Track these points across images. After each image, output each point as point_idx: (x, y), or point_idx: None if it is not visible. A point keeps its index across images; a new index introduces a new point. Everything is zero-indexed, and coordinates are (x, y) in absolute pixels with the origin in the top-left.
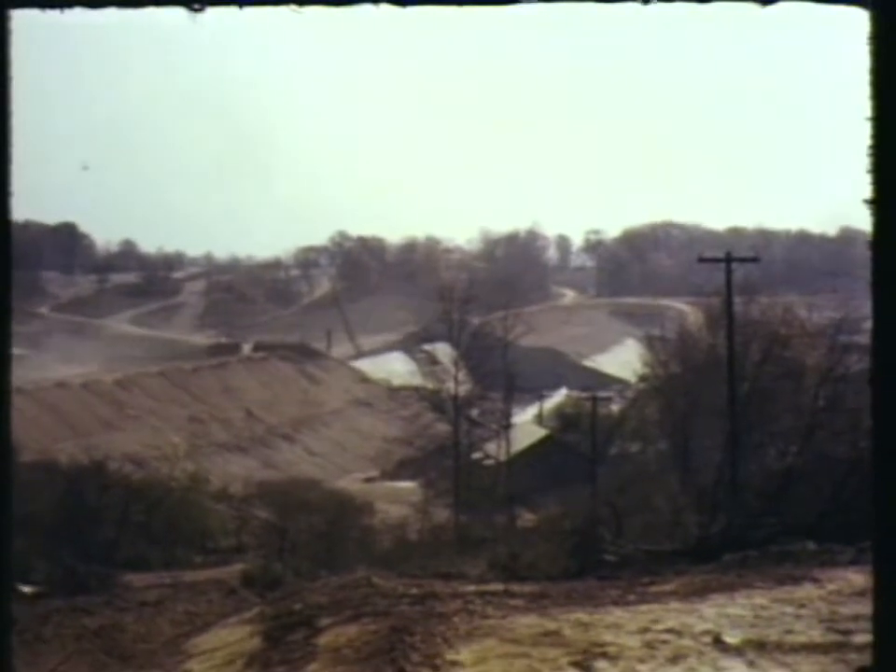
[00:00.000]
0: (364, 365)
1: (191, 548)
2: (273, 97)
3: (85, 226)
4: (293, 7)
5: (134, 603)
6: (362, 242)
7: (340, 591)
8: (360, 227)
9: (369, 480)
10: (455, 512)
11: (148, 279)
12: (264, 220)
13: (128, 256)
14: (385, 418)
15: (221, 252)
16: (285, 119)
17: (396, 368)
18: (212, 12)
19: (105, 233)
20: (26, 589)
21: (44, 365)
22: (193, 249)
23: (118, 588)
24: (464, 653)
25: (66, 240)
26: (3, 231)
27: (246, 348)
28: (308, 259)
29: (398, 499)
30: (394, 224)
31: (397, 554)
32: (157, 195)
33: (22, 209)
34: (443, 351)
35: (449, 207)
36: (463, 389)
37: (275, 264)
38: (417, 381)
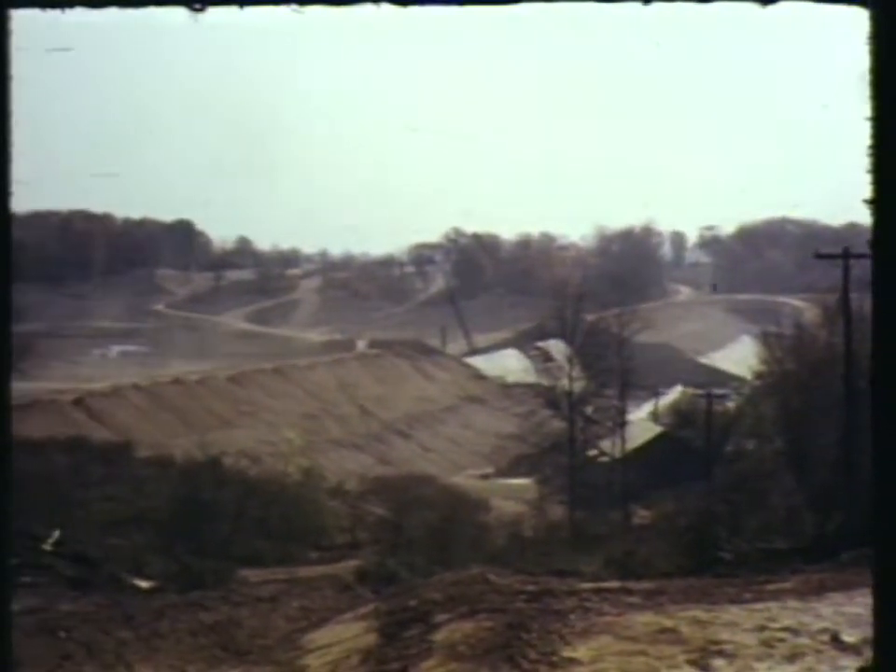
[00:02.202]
0: (478, 362)
1: (306, 544)
2: (351, 96)
3: (201, 223)
4: (294, 6)
5: (250, 598)
6: (477, 239)
7: (455, 587)
8: (475, 224)
9: (483, 476)
10: (570, 509)
11: (264, 276)
12: (379, 217)
13: (243, 253)
14: (499, 415)
15: (336, 249)
16: (386, 117)
17: (510, 365)
18: (212, 12)
19: (220, 231)
20: (142, 584)
21: (160, 362)
22: (308, 246)
23: (233, 583)
24: (580, 650)
25: (182, 237)
26: (3, 231)
27: (361, 345)
28: (422, 256)
29: (512, 496)
30: (508, 221)
31: (512, 551)
32: (273, 193)
33: (139, 207)
34: (557, 348)
35: (564, 204)
36: (577, 386)
37: (390, 261)
38: (531, 378)
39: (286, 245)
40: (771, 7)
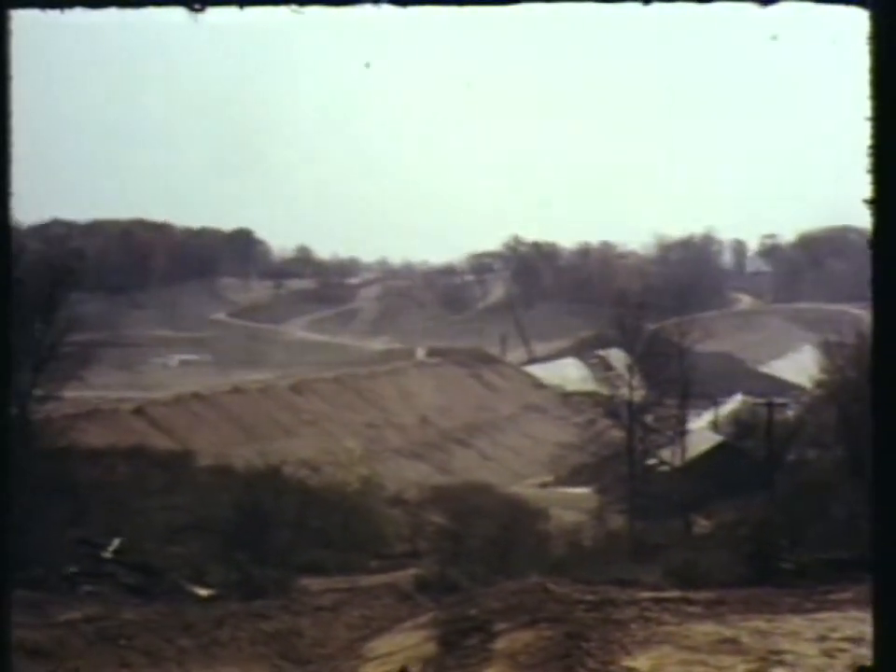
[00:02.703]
0: (538, 370)
1: (366, 553)
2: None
3: (261, 232)
4: (293, 7)
5: (310, 607)
6: (536, 247)
7: (514, 596)
8: (534, 232)
9: (543, 485)
10: (629, 519)
11: (324, 285)
12: (438, 226)
13: (303, 262)
14: (558, 424)
15: (395, 258)
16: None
17: (569, 373)
18: (212, 12)
19: (280, 240)
20: (202, 592)
21: (221, 370)
22: (368, 255)
23: (293, 592)
24: (640, 660)
25: (242, 246)
26: (3, 231)
27: (421, 353)
28: (482, 265)
29: (572, 505)
30: (567, 229)
31: (571, 560)
32: (333, 201)
33: (199, 216)
34: (617, 357)
35: (624, 212)
36: (637, 395)
37: (449, 270)
38: (591, 387)
39: (345, 253)
40: (771, 8)
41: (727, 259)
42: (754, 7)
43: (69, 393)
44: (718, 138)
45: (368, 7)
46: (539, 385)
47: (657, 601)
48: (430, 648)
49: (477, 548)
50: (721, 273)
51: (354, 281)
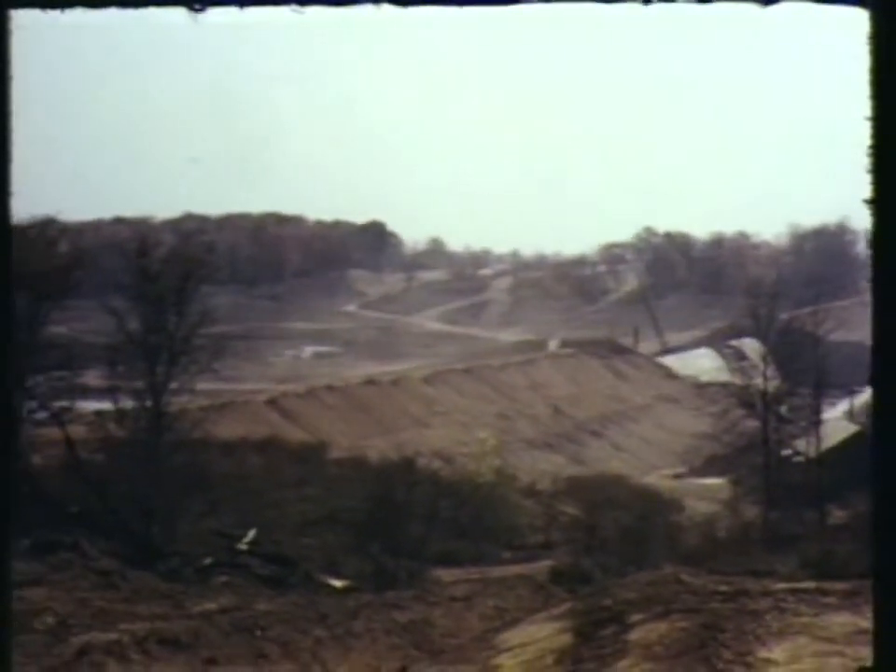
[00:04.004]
0: (671, 361)
1: (499, 544)
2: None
3: (393, 224)
4: (294, 7)
5: (444, 598)
6: (669, 238)
7: (649, 587)
8: (666, 223)
9: (676, 476)
10: (764, 509)
11: (456, 276)
12: (568, 217)
13: (435, 254)
14: (692, 414)
15: (528, 249)
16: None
17: (703, 364)
18: (212, 12)
19: (413, 232)
20: (336, 583)
21: (353, 362)
22: (500, 246)
23: (427, 583)
24: (776, 651)
25: (374, 239)
26: (3, 231)
27: (553, 344)
28: (614, 256)
29: (706, 496)
30: (700, 220)
31: (705, 551)
32: (465, 193)
33: (333, 208)
34: (751, 347)
35: (758, 202)
36: (772, 385)
37: (582, 261)
38: (725, 377)
39: (477, 245)
40: (771, 8)
41: (861, 248)
42: (754, 7)
43: (203, 385)
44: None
45: (369, 7)
46: (671, 375)
47: (793, 592)
48: (565, 639)
49: (610, 539)
50: (855, 262)
51: (486, 272)
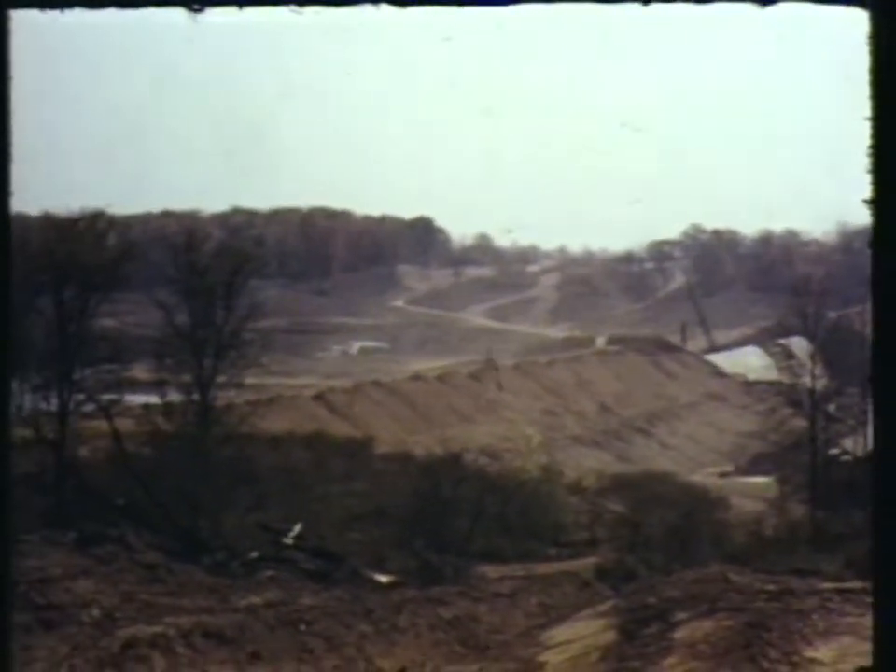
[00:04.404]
0: (718, 359)
1: (544, 540)
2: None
3: (441, 220)
4: (293, 7)
5: (489, 594)
6: (716, 235)
7: (694, 585)
8: (713, 220)
9: (723, 474)
10: (811, 508)
11: (503, 272)
12: (616, 213)
13: (483, 249)
14: (739, 412)
15: (575, 245)
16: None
17: (751, 362)
18: (212, 13)
19: (460, 227)
20: (382, 578)
21: (400, 357)
22: (547, 243)
23: (472, 579)
24: (822, 651)
25: (422, 234)
26: (3, 231)
27: (600, 341)
28: (662, 253)
29: (752, 494)
30: (747, 217)
31: (752, 550)
32: (512, 189)
33: (380, 204)
34: (799, 345)
35: (805, 200)
36: (820, 384)
37: (629, 257)
38: (773, 375)
39: (525, 241)
40: (771, 8)
41: None
42: (754, 8)
43: (250, 379)
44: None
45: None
46: (719, 373)
47: (839, 591)
48: (610, 636)
49: (656, 536)
50: None
51: (533, 269)
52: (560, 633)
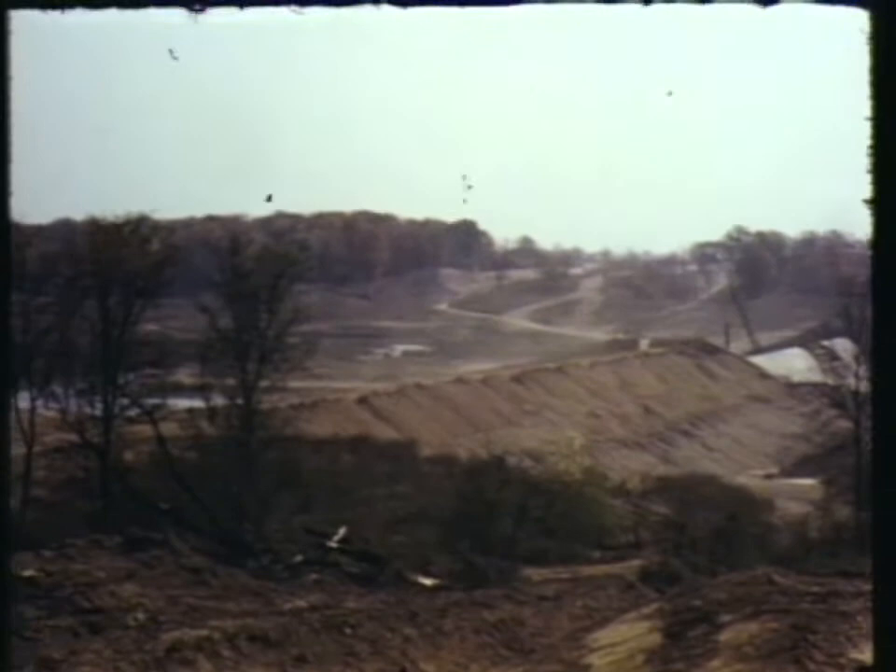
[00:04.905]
0: (762, 361)
1: (589, 543)
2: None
3: (484, 223)
4: (294, 7)
5: (533, 597)
6: (760, 237)
7: (739, 588)
8: (757, 222)
9: (768, 476)
10: (856, 510)
11: (546, 275)
12: (660, 216)
13: (526, 252)
14: (784, 414)
15: (618, 248)
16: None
17: (795, 364)
18: (212, 13)
19: (503, 231)
20: (426, 581)
21: (443, 361)
22: (590, 245)
23: (517, 582)
24: (868, 653)
25: (465, 237)
26: (3, 231)
27: (644, 344)
28: (705, 255)
29: (797, 496)
30: (792, 218)
31: (797, 552)
32: (553, 194)
33: (425, 208)
34: (844, 346)
35: (851, 201)
36: (864, 385)
37: (672, 260)
38: (817, 377)
39: (567, 244)
40: (771, 8)
41: None
42: (754, 8)
43: (294, 383)
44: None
45: (369, 8)
46: (763, 375)
47: None
48: (655, 638)
49: (701, 539)
50: None
51: (576, 271)
52: (605, 635)
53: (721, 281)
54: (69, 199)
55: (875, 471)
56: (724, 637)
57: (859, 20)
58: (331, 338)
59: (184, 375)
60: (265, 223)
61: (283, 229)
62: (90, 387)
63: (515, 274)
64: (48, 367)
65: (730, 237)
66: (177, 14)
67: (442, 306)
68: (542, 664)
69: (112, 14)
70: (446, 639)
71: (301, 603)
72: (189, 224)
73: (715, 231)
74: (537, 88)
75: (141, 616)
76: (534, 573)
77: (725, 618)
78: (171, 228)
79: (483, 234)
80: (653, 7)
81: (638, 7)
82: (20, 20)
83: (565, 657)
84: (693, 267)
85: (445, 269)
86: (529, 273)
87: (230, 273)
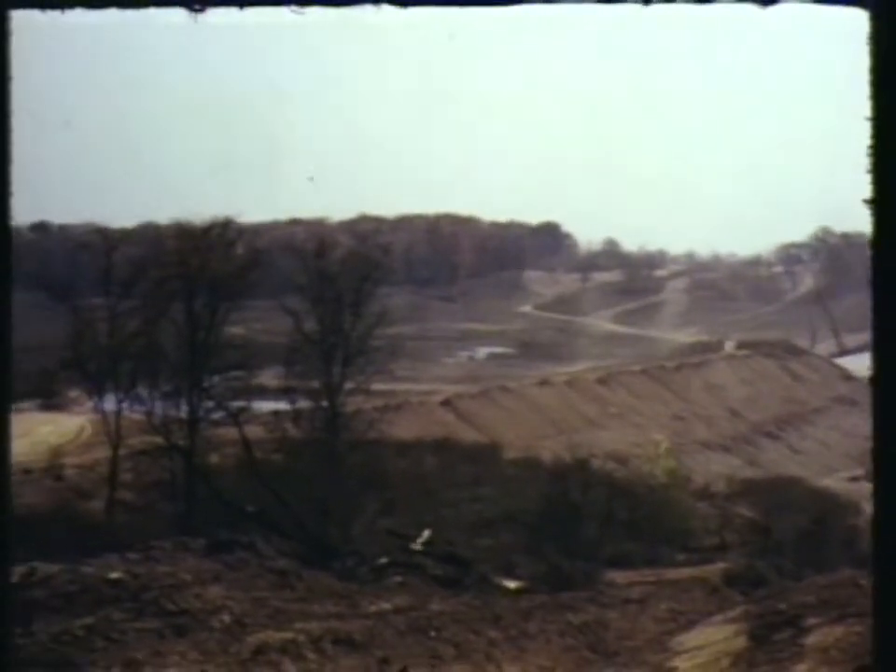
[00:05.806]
0: (848, 362)
1: (673, 546)
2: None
3: (568, 225)
4: (294, 7)
5: (618, 600)
6: (846, 238)
7: (825, 591)
8: (843, 223)
9: (854, 479)
10: None
11: (630, 277)
12: (745, 217)
13: (610, 255)
14: (869, 417)
15: (703, 250)
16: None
17: None
18: (212, 13)
19: (587, 233)
20: (510, 584)
21: (527, 363)
22: (675, 247)
23: (601, 585)
24: None
25: (549, 239)
26: (3, 231)
27: (729, 345)
28: (791, 256)
29: None
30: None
31: None
32: (642, 194)
33: (507, 209)
34: None
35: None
36: None
37: (757, 261)
38: None
39: (652, 246)
40: (771, 8)
41: None
42: (754, 8)
43: (378, 386)
44: None
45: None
46: (849, 377)
47: None
48: (741, 642)
49: (786, 542)
50: None
51: (661, 273)
52: (690, 639)
53: (807, 282)
54: (69, 200)
55: (876, 471)
56: (810, 640)
57: (859, 20)
58: (415, 340)
59: (268, 378)
60: (349, 226)
61: (367, 231)
62: (175, 390)
63: (599, 276)
64: (134, 370)
65: (815, 238)
66: (177, 14)
67: (526, 308)
68: (627, 667)
69: (112, 14)
70: (531, 642)
71: (386, 605)
72: (273, 227)
73: (802, 232)
74: (575, 88)
75: (226, 618)
76: (618, 576)
77: (811, 621)
78: (255, 231)
79: (566, 236)
80: (653, 7)
81: (638, 7)
82: (20, 20)
83: (649, 660)
84: (779, 268)
85: (529, 271)
86: (614, 275)
87: (315, 276)
